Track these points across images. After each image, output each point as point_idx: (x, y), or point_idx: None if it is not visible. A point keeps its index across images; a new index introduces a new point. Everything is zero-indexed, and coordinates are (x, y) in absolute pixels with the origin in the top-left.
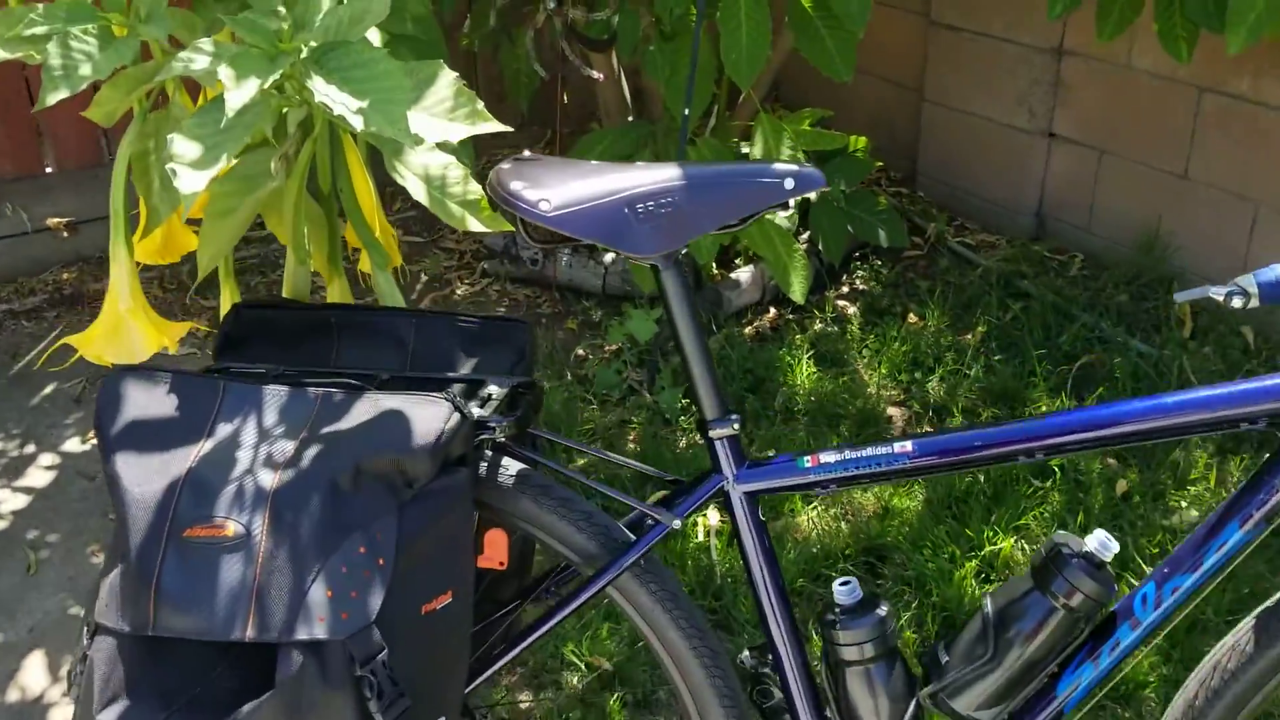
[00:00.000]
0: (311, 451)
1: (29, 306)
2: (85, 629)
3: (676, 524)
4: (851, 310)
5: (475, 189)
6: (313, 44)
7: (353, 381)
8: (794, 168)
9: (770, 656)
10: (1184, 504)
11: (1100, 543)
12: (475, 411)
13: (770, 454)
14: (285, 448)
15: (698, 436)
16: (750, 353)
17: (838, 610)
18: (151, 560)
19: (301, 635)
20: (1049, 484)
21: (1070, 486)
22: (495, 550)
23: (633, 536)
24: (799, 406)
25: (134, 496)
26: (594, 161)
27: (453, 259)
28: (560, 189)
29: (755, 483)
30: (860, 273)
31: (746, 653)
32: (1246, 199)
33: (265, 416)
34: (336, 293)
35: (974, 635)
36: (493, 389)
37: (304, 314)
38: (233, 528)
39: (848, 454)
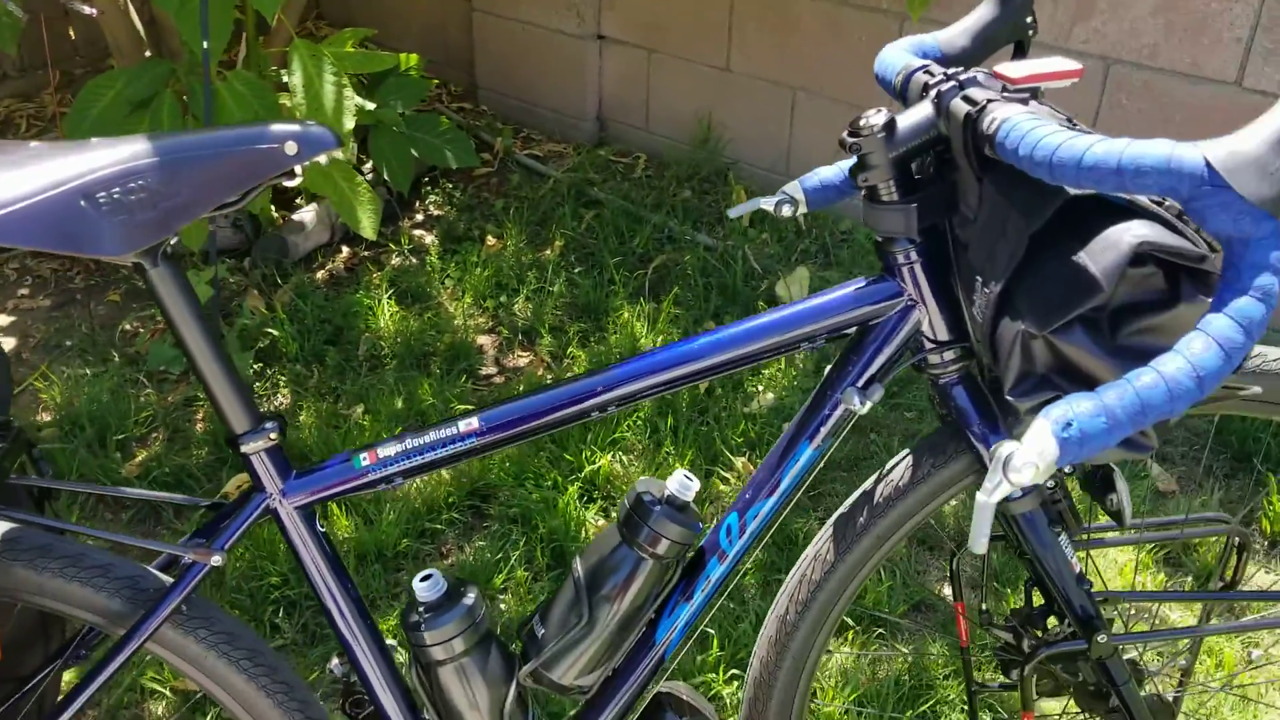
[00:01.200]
0: None
1: None
2: None
3: (218, 560)
4: (429, 239)
5: None
6: None
7: None
8: (295, 128)
9: (358, 670)
10: (760, 388)
11: (680, 484)
12: None
13: (319, 462)
14: None
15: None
16: (326, 300)
17: (422, 609)
18: None
19: None
20: None
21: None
22: None
23: (168, 580)
24: (385, 351)
25: None
26: (33, 143)
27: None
28: None
29: (306, 493)
30: (433, 198)
31: (335, 660)
32: (783, 85)
33: None
34: None
35: (567, 601)
36: None
37: None
38: None
39: (409, 443)
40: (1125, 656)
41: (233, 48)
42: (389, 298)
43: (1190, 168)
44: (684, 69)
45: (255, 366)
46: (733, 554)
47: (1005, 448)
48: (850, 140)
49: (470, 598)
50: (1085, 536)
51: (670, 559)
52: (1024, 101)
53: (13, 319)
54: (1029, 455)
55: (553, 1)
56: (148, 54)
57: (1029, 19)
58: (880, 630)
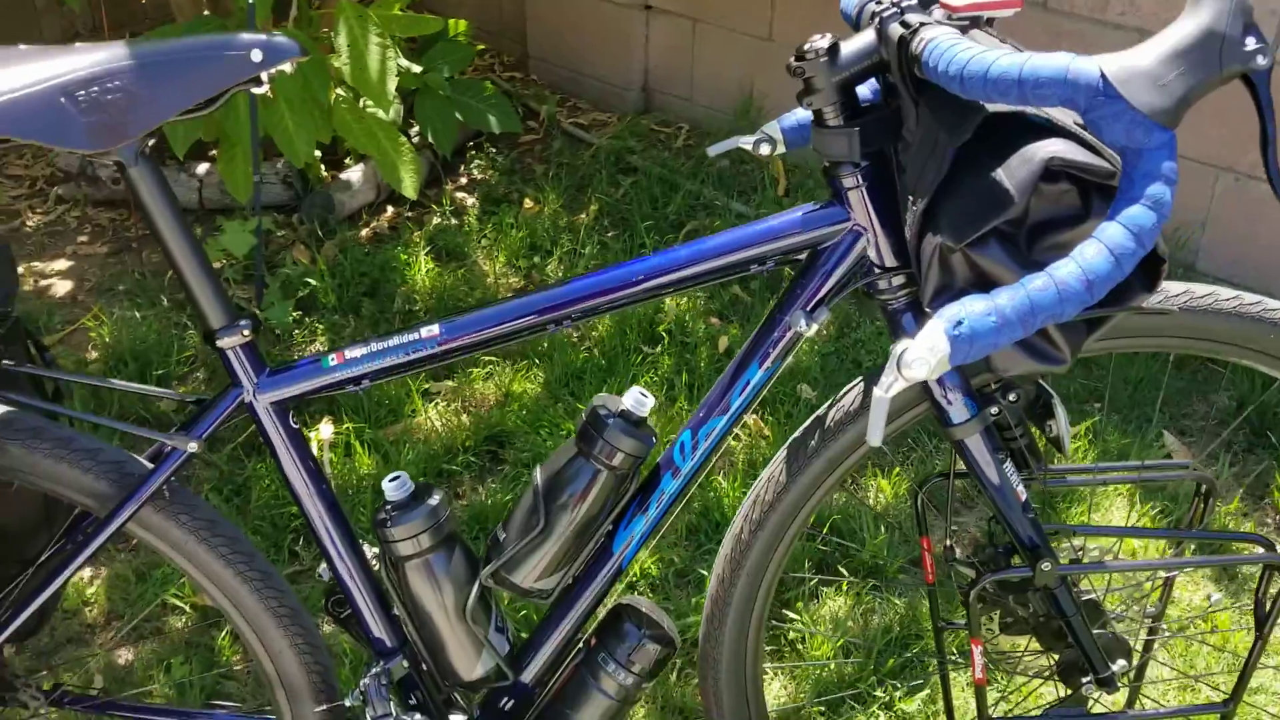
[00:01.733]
0: None
1: None
2: None
3: (193, 447)
4: (470, 201)
5: None
6: None
7: None
8: (261, 38)
9: (331, 566)
10: None
11: (635, 400)
12: None
13: (294, 359)
14: None
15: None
16: (366, 256)
17: (389, 507)
18: None
19: None
20: (659, 350)
21: (677, 349)
22: None
23: (152, 467)
24: (419, 305)
25: None
26: (21, 46)
27: (22, 187)
28: None
29: (279, 390)
30: (477, 162)
31: (324, 565)
32: None
33: None
34: None
35: (526, 509)
36: None
37: None
38: None
39: (375, 346)
40: (1086, 598)
41: (288, 9)
42: (426, 255)
43: (1086, 79)
44: (727, 39)
45: (295, 314)
46: (686, 470)
47: (900, 345)
48: (795, 64)
49: (435, 499)
50: (1045, 475)
51: (624, 470)
52: (964, 29)
53: (71, 264)
54: (920, 351)
55: None
56: (205, 13)
57: None
58: (875, 582)
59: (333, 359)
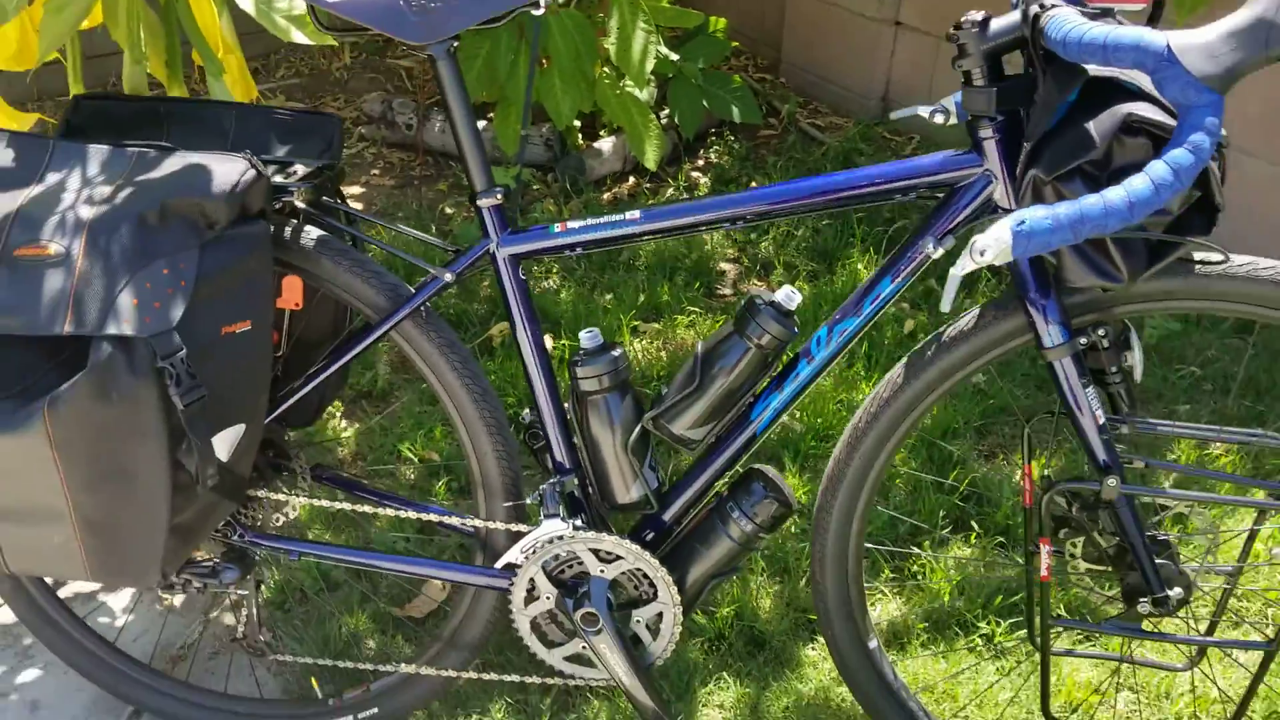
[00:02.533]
0: (125, 193)
1: None
2: None
3: (448, 277)
4: (703, 180)
5: (300, 4)
6: None
7: (165, 144)
8: None
9: (533, 398)
10: None
11: (786, 295)
12: (278, 179)
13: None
14: (104, 190)
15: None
16: (603, 211)
17: (581, 352)
18: None
19: (110, 330)
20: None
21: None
22: (291, 293)
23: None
24: (640, 261)
25: None
26: None
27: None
28: None
29: (515, 246)
30: (716, 147)
31: (527, 411)
32: None
33: (88, 168)
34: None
35: (687, 372)
36: (298, 167)
37: (138, 105)
38: (54, 249)
39: (590, 221)
40: (1161, 536)
41: None
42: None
43: (1155, 47)
44: None
45: None
46: (819, 359)
47: (976, 238)
48: (953, 33)
49: (616, 352)
50: (1136, 422)
51: (769, 350)
52: (1094, 16)
53: (363, 190)
54: (989, 240)
55: None
56: None
57: None
58: (1002, 539)
59: (557, 228)
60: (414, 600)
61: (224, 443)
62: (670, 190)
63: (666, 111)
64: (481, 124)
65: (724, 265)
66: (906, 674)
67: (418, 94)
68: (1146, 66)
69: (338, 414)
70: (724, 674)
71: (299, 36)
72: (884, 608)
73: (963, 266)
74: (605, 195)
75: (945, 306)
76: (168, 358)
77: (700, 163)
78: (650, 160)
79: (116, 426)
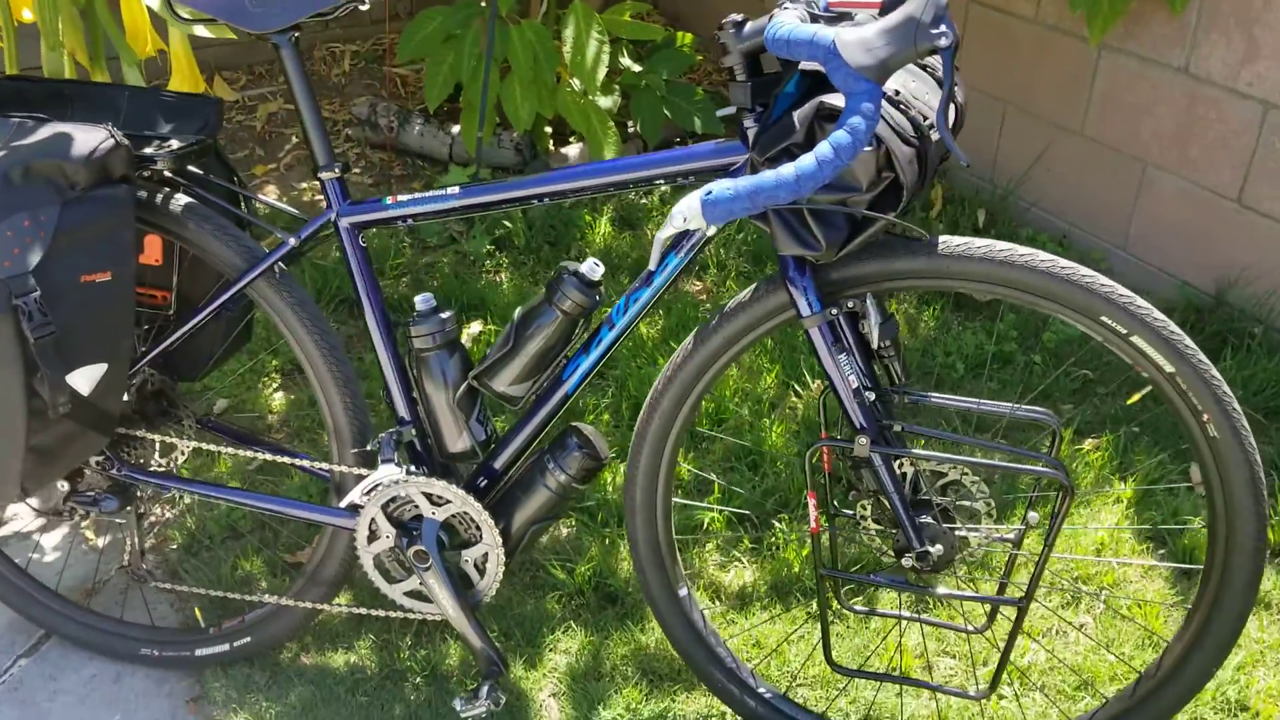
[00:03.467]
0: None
1: None
2: None
3: (293, 241)
4: (663, 186)
5: None
6: None
7: (41, 116)
8: None
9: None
10: None
11: (590, 266)
12: (148, 150)
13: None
14: None
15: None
16: (560, 212)
17: (415, 314)
18: None
19: None
20: None
21: None
22: (152, 251)
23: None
24: (588, 255)
25: None
26: None
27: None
28: None
29: (354, 215)
30: None
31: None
32: (996, 99)
33: None
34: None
35: (504, 335)
36: (173, 141)
37: (48, 86)
38: None
39: (417, 195)
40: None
41: (531, 7)
42: (609, 220)
43: (824, 42)
44: None
45: (489, 247)
46: (619, 325)
47: (674, 207)
48: (717, 33)
49: (446, 314)
50: (905, 393)
51: (574, 316)
52: (832, 20)
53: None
54: (683, 208)
55: None
56: None
57: None
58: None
59: (389, 200)
60: (305, 550)
61: (84, 379)
62: (632, 195)
63: (632, 123)
64: (456, 128)
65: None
66: (744, 636)
67: (406, 100)
68: (819, 59)
69: (273, 385)
70: (572, 623)
71: (200, 30)
72: (737, 574)
73: (664, 231)
74: (567, 200)
75: (651, 266)
76: (21, 296)
77: None
78: None
79: None
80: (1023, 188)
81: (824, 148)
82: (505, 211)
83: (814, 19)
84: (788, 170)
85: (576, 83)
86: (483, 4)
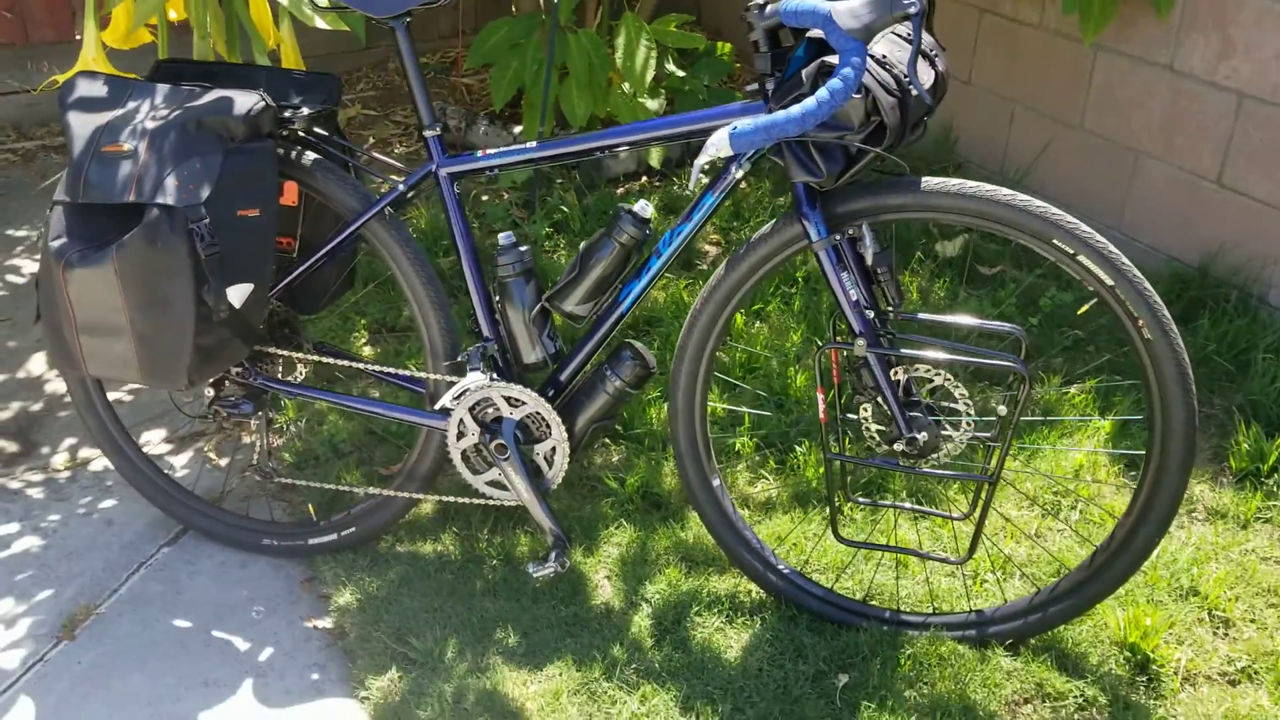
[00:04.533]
0: (176, 113)
1: (59, 143)
2: (49, 209)
3: (401, 187)
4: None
5: None
6: None
7: (207, 85)
8: None
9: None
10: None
11: (641, 206)
12: (286, 114)
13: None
14: (162, 112)
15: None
16: (612, 202)
17: (500, 246)
18: (83, 164)
19: (159, 200)
20: None
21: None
22: (290, 194)
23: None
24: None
25: (76, 133)
26: None
27: (399, 129)
28: None
29: (451, 166)
30: None
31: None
32: (1006, 99)
33: (155, 98)
34: None
35: (571, 264)
36: (304, 109)
37: (199, 67)
38: (127, 147)
39: (502, 148)
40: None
41: (595, 13)
42: (656, 207)
43: (822, 12)
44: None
45: (548, 230)
46: (665, 255)
47: (708, 140)
48: (743, 13)
49: (524, 248)
50: (899, 312)
51: (629, 246)
52: None
53: (385, 153)
54: (714, 141)
55: None
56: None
57: None
58: None
59: (479, 153)
60: (395, 465)
61: (237, 294)
62: (675, 188)
63: None
64: (518, 129)
65: (706, 246)
66: (768, 534)
67: (472, 105)
68: (819, 25)
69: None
70: (623, 521)
71: (319, 22)
72: (764, 487)
73: (701, 158)
74: (619, 191)
75: (691, 186)
76: (196, 222)
77: None
78: (655, 160)
79: (159, 266)
80: (1029, 177)
81: (823, 92)
82: (575, 164)
83: None
84: (795, 109)
85: (627, 86)
86: (544, 15)
